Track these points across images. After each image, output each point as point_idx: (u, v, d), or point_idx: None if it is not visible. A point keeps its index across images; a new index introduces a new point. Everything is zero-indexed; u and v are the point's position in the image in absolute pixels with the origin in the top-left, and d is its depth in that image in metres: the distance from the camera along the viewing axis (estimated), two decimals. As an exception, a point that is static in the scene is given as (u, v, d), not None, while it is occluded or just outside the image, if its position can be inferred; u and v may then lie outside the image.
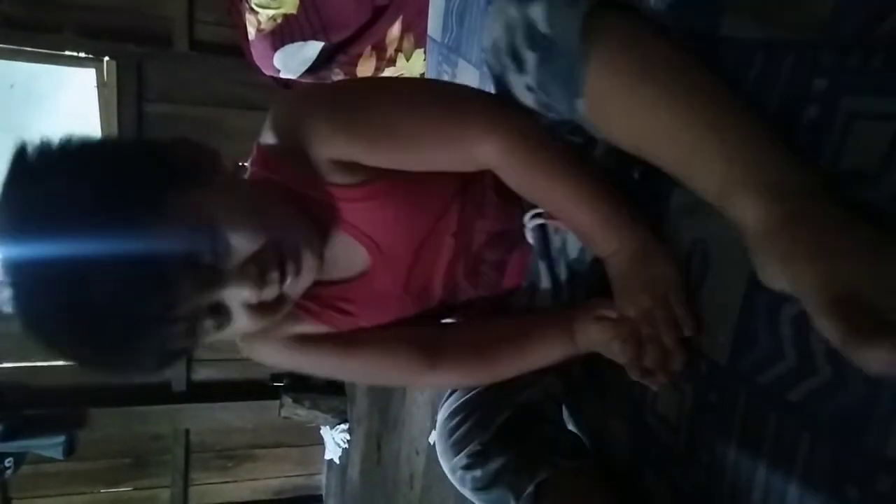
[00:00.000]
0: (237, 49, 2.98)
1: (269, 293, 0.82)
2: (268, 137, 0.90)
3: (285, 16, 2.54)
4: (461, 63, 1.46)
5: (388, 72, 2.64)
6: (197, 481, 3.89)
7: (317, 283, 0.95)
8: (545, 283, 1.03)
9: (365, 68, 2.63)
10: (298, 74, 2.69)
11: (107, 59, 3.04)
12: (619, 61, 0.71)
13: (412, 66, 2.59)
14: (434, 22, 1.64)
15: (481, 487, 1.02)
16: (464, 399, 1.09)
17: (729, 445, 0.76)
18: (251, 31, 2.67)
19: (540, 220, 0.98)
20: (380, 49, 2.59)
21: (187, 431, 3.77)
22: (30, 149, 0.75)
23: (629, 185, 0.90)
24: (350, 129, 0.87)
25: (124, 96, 3.08)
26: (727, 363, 0.76)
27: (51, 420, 3.34)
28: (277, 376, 3.62)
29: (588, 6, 0.70)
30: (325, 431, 3.76)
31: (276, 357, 1.03)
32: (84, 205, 0.72)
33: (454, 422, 1.07)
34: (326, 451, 3.80)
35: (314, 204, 0.90)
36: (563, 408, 1.13)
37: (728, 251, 0.76)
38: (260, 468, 4.01)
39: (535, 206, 0.98)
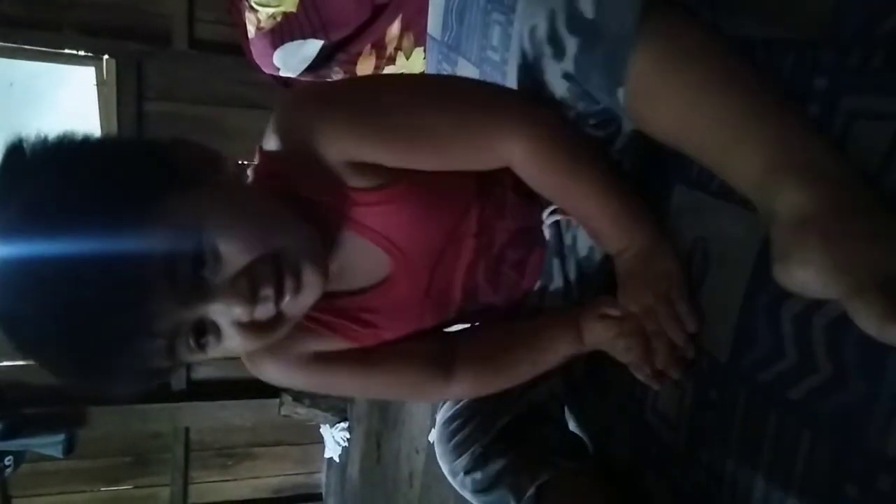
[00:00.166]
0: (237, 47, 2.97)
1: (263, 312, 0.75)
2: (272, 141, 0.85)
3: (285, 14, 2.53)
4: (461, 61, 1.45)
5: (388, 70, 2.63)
6: (197, 479, 3.89)
7: (336, 295, 0.93)
8: (557, 281, 1.02)
9: (364, 67, 2.63)
10: (298, 73, 2.69)
11: (106, 57, 3.03)
12: (666, 49, 0.69)
13: (412, 64, 2.59)
14: (434, 20, 1.64)
15: (482, 490, 1.02)
16: (464, 402, 1.09)
17: (729, 444, 0.76)
18: (251, 30, 2.67)
19: (557, 217, 0.98)
20: (379, 47, 2.59)
21: (187, 430, 3.77)
22: (22, 144, 0.71)
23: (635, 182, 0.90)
24: (372, 129, 0.84)
25: (124, 95, 3.07)
26: (728, 361, 0.76)
27: (50, 418, 3.33)
28: (277, 375, 3.60)
29: None
30: (325, 430, 3.76)
31: (286, 377, 0.98)
32: (67, 204, 0.67)
33: (454, 425, 1.07)
34: (326, 449, 3.80)
35: (324, 212, 0.86)
36: (565, 407, 1.13)
37: (729, 250, 0.76)
38: (260, 466, 4.01)
39: (553, 203, 0.97)
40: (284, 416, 3.62)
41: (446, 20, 1.53)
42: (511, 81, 0.95)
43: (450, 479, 1.08)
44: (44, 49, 3.00)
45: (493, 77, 1.25)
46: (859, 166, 0.59)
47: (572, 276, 1.01)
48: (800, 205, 0.58)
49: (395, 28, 2.54)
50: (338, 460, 3.73)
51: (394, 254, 0.91)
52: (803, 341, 0.66)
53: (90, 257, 0.65)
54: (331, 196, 0.85)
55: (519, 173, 0.89)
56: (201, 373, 3.60)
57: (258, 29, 2.62)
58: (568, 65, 0.77)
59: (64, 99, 3.32)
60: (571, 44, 0.75)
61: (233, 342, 0.76)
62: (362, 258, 0.91)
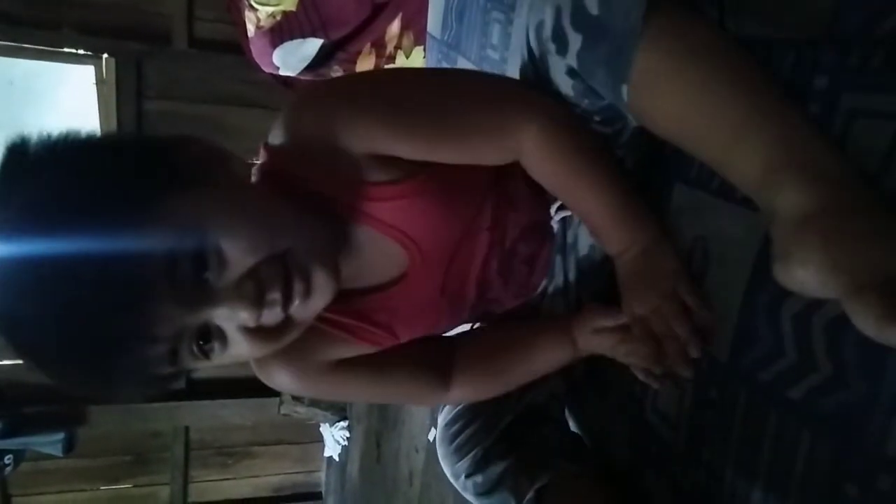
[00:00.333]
0: (236, 46, 2.97)
1: (271, 317, 0.72)
2: (282, 136, 0.82)
3: (284, 13, 2.53)
4: (460, 60, 1.45)
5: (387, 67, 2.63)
6: (196, 478, 3.89)
7: (351, 294, 0.91)
8: (558, 279, 1.03)
9: (364, 65, 2.62)
10: (297, 72, 2.69)
11: (106, 56, 3.03)
12: (670, 46, 0.69)
13: (411, 63, 2.59)
14: (434, 19, 1.63)
15: (484, 492, 1.02)
16: (465, 404, 1.09)
17: (729, 443, 0.76)
18: (250, 29, 2.67)
19: (566, 212, 0.98)
20: (379, 46, 2.59)
21: (187, 429, 3.77)
22: (25, 143, 0.69)
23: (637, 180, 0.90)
24: (394, 121, 0.81)
25: (123, 94, 3.07)
26: (727, 360, 0.76)
27: (50, 417, 3.33)
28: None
29: None
30: (325, 429, 3.75)
31: (298, 385, 0.95)
32: (67, 203, 0.65)
33: (456, 427, 1.07)
34: (326, 448, 3.80)
35: (337, 208, 0.84)
36: (566, 408, 1.13)
37: (729, 249, 0.76)
38: (259, 465, 4.01)
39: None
40: (284, 414, 3.62)
41: (446, 19, 1.53)
42: (511, 80, 0.95)
43: (452, 481, 1.08)
44: (43, 48, 3.00)
45: (493, 76, 1.25)
46: (859, 166, 0.59)
47: (571, 274, 1.01)
48: (800, 204, 0.57)
49: (394, 27, 2.54)
50: (337, 459, 3.72)
51: (410, 249, 0.89)
52: (803, 341, 0.66)
53: (90, 258, 0.63)
54: (345, 191, 0.83)
55: (525, 164, 0.88)
56: (201, 372, 3.53)
57: (258, 28, 2.62)
58: (571, 60, 0.77)
59: (63, 98, 3.31)
60: (575, 40, 0.75)
61: (239, 348, 0.73)
62: (378, 254, 0.89)
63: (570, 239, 1.00)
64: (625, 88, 0.72)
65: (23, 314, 0.66)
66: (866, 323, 0.51)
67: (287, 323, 0.75)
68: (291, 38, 2.56)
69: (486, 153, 0.87)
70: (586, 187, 0.86)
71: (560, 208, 0.98)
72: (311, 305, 0.75)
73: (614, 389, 0.99)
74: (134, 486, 3.80)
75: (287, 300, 0.72)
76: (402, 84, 0.88)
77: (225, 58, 3.13)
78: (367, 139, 0.81)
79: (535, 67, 0.84)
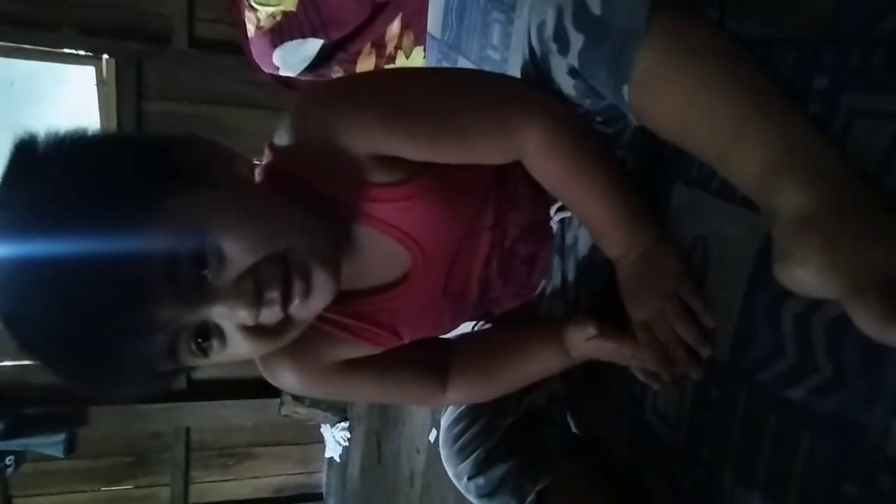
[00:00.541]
0: (236, 47, 2.97)
1: (270, 316, 0.72)
2: (288, 136, 0.82)
3: (284, 13, 2.53)
4: (461, 60, 1.45)
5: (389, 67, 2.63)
6: (197, 479, 3.88)
7: (354, 295, 0.91)
8: (556, 280, 1.02)
9: (364, 66, 2.62)
10: (298, 72, 2.69)
11: (106, 56, 3.03)
12: (671, 46, 0.69)
13: (412, 63, 2.58)
14: (434, 19, 1.64)
15: (486, 494, 1.02)
16: (468, 405, 1.10)
17: (729, 443, 0.76)
18: (250, 29, 2.66)
19: (565, 213, 0.98)
20: (379, 46, 2.59)
21: (187, 429, 3.77)
22: (34, 141, 0.69)
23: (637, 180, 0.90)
24: (401, 120, 0.82)
25: (123, 94, 3.07)
26: (728, 360, 0.76)
27: (51, 418, 3.33)
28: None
29: None
30: (326, 429, 3.75)
31: (305, 386, 0.96)
32: (68, 201, 0.65)
33: (458, 427, 1.08)
34: (327, 449, 3.79)
35: (340, 209, 0.84)
36: (566, 409, 1.13)
37: (729, 249, 0.76)
38: (260, 466, 4.01)
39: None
40: (285, 415, 3.62)
41: (446, 19, 1.53)
42: (512, 81, 0.95)
43: (455, 482, 1.09)
44: (44, 48, 3.00)
45: (493, 76, 1.25)
46: (859, 166, 0.59)
47: (571, 276, 1.01)
48: (800, 204, 0.57)
49: (394, 27, 2.54)
50: (338, 460, 3.72)
51: (412, 250, 0.89)
52: (803, 341, 0.66)
53: (90, 255, 0.63)
54: (348, 192, 0.84)
55: (527, 164, 0.88)
56: (202, 372, 3.53)
57: (258, 28, 2.62)
58: (573, 60, 0.77)
59: (64, 98, 3.31)
60: (577, 40, 0.75)
61: (239, 347, 0.73)
62: (381, 255, 0.89)
63: (569, 240, 1.00)
64: (626, 89, 0.72)
65: (25, 309, 0.66)
66: (867, 323, 0.51)
67: (287, 322, 0.75)
68: (291, 39, 2.56)
69: (487, 153, 0.87)
70: (587, 188, 0.86)
71: (560, 209, 0.98)
72: (310, 305, 0.75)
73: (614, 390, 0.99)
74: (135, 488, 3.79)
75: (286, 299, 0.72)
76: (404, 84, 0.87)
77: (225, 58, 3.12)
78: (369, 139, 0.81)
79: (536, 67, 0.84)
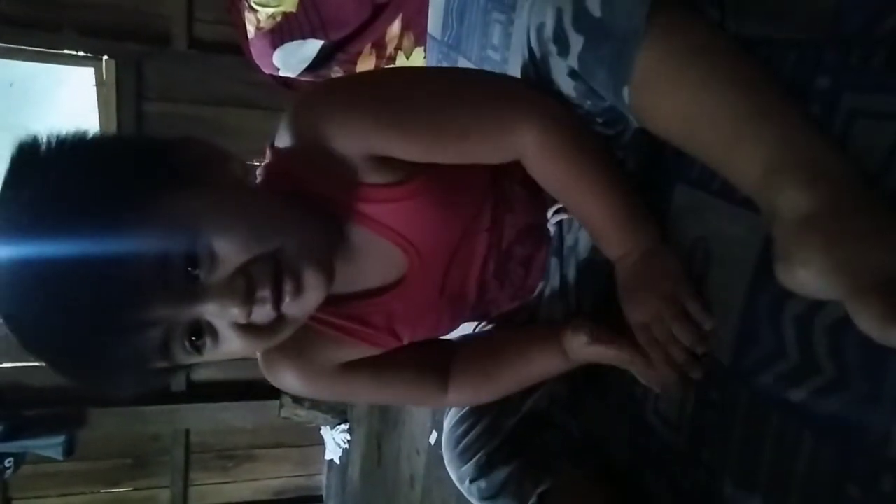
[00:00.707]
0: (236, 47, 2.97)
1: (261, 314, 0.73)
2: (287, 137, 0.83)
3: (285, 14, 2.53)
4: (461, 61, 1.45)
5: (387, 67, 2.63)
6: (197, 482, 3.88)
7: (352, 297, 0.92)
8: (554, 282, 1.02)
9: (365, 66, 2.62)
10: (298, 73, 2.69)
11: (106, 57, 3.03)
12: (671, 46, 0.69)
13: (412, 64, 2.59)
14: (434, 20, 1.64)
15: (488, 497, 1.03)
16: (470, 407, 1.10)
17: (730, 444, 0.76)
18: (250, 30, 2.67)
19: (563, 215, 0.97)
20: (379, 47, 2.59)
21: (187, 432, 3.77)
22: (35, 142, 0.71)
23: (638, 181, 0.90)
24: (397, 121, 0.82)
25: (123, 95, 3.07)
26: (729, 362, 0.76)
27: (50, 420, 3.33)
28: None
29: None
30: (326, 431, 3.75)
31: (307, 387, 0.97)
32: (64, 201, 0.67)
33: (461, 430, 1.08)
34: (327, 451, 3.79)
35: (336, 211, 0.85)
36: (567, 411, 1.13)
37: (730, 249, 0.76)
38: (260, 468, 4.00)
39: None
40: (284, 417, 3.62)
41: (446, 19, 1.53)
42: (512, 81, 0.95)
43: (457, 484, 1.09)
44: (43, 49, 3.00)
45: (493, 77, 1.25)
46: (861, 166, 0.59)
47: (571, 277, 1.01)
48: (801, 204, 0.57)
49: (395, 27, 2.54)
50: (338, 462, 3.72)
51: (409, 252, 0.90)
52: (805, 342, 0.66)
53: (85, 253, 0.65)
54: (345, 193, 0.84)
55: (527, 165, 0.88)
56: (201, 374, 3.59)
57: (258, 29, 2.62)
58: (573, 61, 0.77)
59: (63, 99, 3.31)
60: (577, 41, 0.74)
61: (231, 345, 0.74)
62: (377, 257, 0.90)
63: (569, 242, 1.00)
64: (626, 90, 0.72)
65: (22, 306, 0.68)
66: (869, 324, 0.51)
67: (279, 321, 0.76)
68: (291, 40, 2.56)
69: (486, 153, 0.87)
70: (587, 189, 0.86)
71: (557, 211, 0.98)
72: (302, 304, 0.76)
73: (615, 391, 0.99)
74: (134, 490, 3.79)
75: (278, 298, 0.73)
76: (401, 84, 0.87)
77: (225, 59, 3.12)
78: (364, 140, 0.81)
79: (536, 69, 0.84)
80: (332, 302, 0.91)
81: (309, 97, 0.86)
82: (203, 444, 3.85)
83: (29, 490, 3.55)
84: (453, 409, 1.13)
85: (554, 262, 1.01)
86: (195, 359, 0.75)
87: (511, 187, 0.97)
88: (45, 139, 0.71)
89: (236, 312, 0.71)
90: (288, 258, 0.74)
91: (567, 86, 0.82)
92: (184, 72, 3.15)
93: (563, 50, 0.77)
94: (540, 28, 0.79)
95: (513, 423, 1.05)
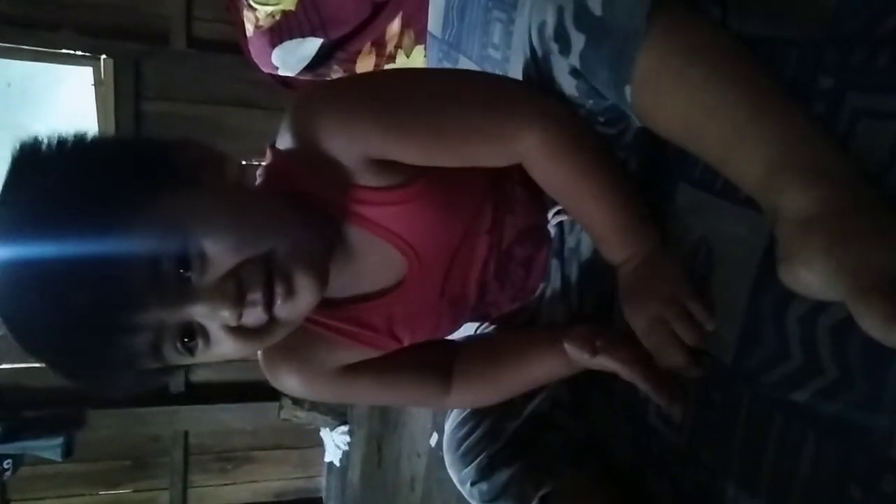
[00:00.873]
0: (235, 46, 2.97)
1: (252, 317, 0.73)
2: (287, 139, 0.83)
3: (284, 12, 2.53)
4: (462, 59, 1.45)
5: (387, 68, 2.63)
6: (196, 483, 3.89)
7: (352, 301, 0.93)
8: (555, 283, 1.02)
9: (364, 65, 2.63)
10: (297, 71, 2.69)
11: (104, 57, 3.03)
12: (672, 45, 0.69)
13: (412, 62, 2.59)
14: (434, 18, 1.64)
15: (489, 500, 1.03)
16: (472, 409, 1.10)
17: (733, 445, 0.75)
18: (249, 28, 2.67)
19: (563, 217, 0.97)
20: (379, 45, 2.59)
21: (186, 433, 3.77)
22: (37, 144, 0.72)
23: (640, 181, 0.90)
24: (397, 124, 0.82)
25: (122, 94, 3.08)
26: (732, 362, 0.76)
27: (49, 421, 3.33)
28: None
29: None
30: (325, 433, 3.76)
31: (310, 390, 0.98)
32: (65, 203, 0.68)
33: (462, 432, 1.08)
34: (326, 453, 3.80)
35: (334, 213, 0.85)
36: (569, 412, 1.12)
37: (733, 249, 0.76)
38: (259, 470, 4.01)
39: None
40: (284, 419, 3.63)
41: (447, 18, 1.53)
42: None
43: (459, 487, 1.09)
44: (41, 49, 3.00)
45: (493, 76, 1.25)
46: (863, 166, 0.59)
47: (573, 278, 1.01)
48: (803, 204, 0.57)
49: (395, 26, 2.54)
50: (338, 464, 3.73)
51: (409, 255, 0.90)
52: (808, 343, 0.65)
53: (77, 254, 0.65)
54: (344, 195, 0.84)
55: (528, 168, 0.87)
56: (200, 376, 3.60)
57: (257, 27, 2.62)
58: (574, 60, 0.76)
59: (61, 99, 3.32)
60: (578, 40, 0.74)
61: (223, 347, 0.75)
62: (377, 260, 0.90)
63: (571, 243, 1.00)
64: (628, 89, 0.72)
65: (19, 305, 0.69)
66: (872, 325, 0.51)
67: (272, 323, 0.76)
68: (291, 38, 2.56)
69: (487, 156, 0.87)
70: (589, 192, 0.85)
71: (557, 213, 0.98)
72: (294, 307, 0.76)
73: (617, 391, 0.99)
74: (133, 491, 3.80)
75: (269, 301, 0.73)
76: (401, 86, 0.87)
77: (224, 58, 3.13)
78: (364, 143, 0.82)
79: (537, 68, 0.83)
80: (333, 304, 0.92)
81: (309, 98, 0.86)
82: (202, 445, 3.85)
83: (28, 491, 3.56)
84: (455, 412, 1.13)
85: (555, 263, 1.01)
86: (187, 360, 0.75)
87: (511, 189, 0.97)
88: (45, 141, 0.72)
89: (227, 315, 0.71)
90: (280, 261, 0.74)
91: (569, 85, 0.82)
92: (182, 71, 3.15)
93: (565, 48, 0.76)
94: (541, 26, 0.78)
95: (515, 425, 1.04)
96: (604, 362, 0.88)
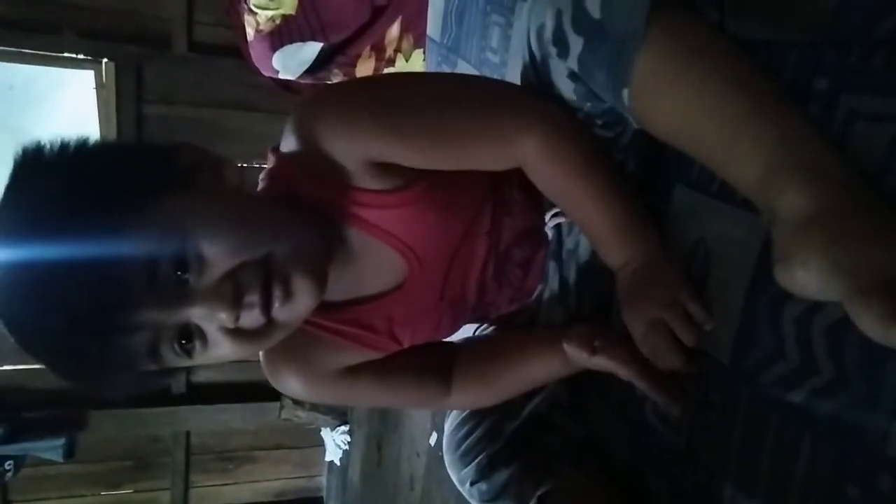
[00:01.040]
0: (236, 50, 2.97)
1: (250, 319, 0.73)
2: (290, 142, 0.84)
3: (284, 16, 2.53)
4: (460, 63, 1.45)
5: (388, 73, 2.63)
6: (197, 483, 3.88)
7: (352, 303, 0.93)
8: (553, 285, 1.02)
9: (364, 69, 2.62)
10: (297, 75, 2.69)
11: (105, 60, 3.03)
12: (670, 48, 0.69)
13: (411, 66, 2.59)
14: (433, 22, 1.63)
15: (489, 500, 1.03)
16: (471, 410, 1.10)
17: (730, 445, 0.76)
18: (250, 32, 2.67)
19: (560, 219, 0.97)
20: (379, 49, 2.59)
21: (187, 433, 3.76)
22: (26, 152, 0.73)
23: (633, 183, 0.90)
24: (397, 127, 0.82)
25: (123, 98, 3.07)
26: (729, 363, 0.76)
27: (50, 422, 3.32)
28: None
29: None
30: (326, 433, 3.75)
31: (312, 392, 0.99)
32: (65, 207, 0.69)
33: (462, 432, 1.08)
34: (327, 452, 3.79)
35: (334, 215, 0.85)
36: (568, 412, 1.13)
37: (730, 250, 0.76)
38: (260, 470, 4.00)
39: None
40: (285, 419, 3.62)
41: (445, 22, 1.53)
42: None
43: (458, 487, 1.09)
44: (43, 52, 3.00)
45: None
46: (859, 167, 0.59)
47: (571, 280, 1.01)
48: (801, 205, 0.57)
49: (394, 30, 2.54)
50: (338, 464, 3.72)
51: (409, 258, 0.90)
52: (804, 343, 0.65)
53: (75, 257, 0.66)
54: (345, 198, 0.85)
55: (528, 171, 0.88)
56: (201, 376, 3.59)
57: (257, 31, 2.62)
58: (572, 63, 0.77)
59: (63, 102, 3.31)
60: (576, 43, 0.74)
61: (221, 349, 0.75)
62: (377, 263, 0.90)
63: (569, 245, 1.00)
64: (626, 92, 0.72)
65: (19, 307, 0.70)
66: (870, 325, 0.51)
67: (270, 325, 0.76)
68: (291, 42, 2.56)
69: (487, 160, 0.87)
70: (588, 196, 0.85)
71: (555, 215, 0.98)
72: (293, 309, 0.77)
73: (615, 391, 0.99)
74: (135, 492, 3.78)
75: (267, 303, 0.74)
76: (403, 90, 0.88)
77: (224, 62, 3.13)
78: (365, 146, 0.82)
79: (536, 71, 0.84)
80: (333, 307, 0.93)
81: (312, 101, 0.87)
82: (203, 445, 3.84)
83: (29, 492, 3.55)
84: (454, 413, 1.13)
85: (553, 265, 1.01)
86: (186, 362, 0.76)
87: (509, 191, 0.98)
88: (47, 146, 0.73)
89: (223, 317, 0.71)
90: (278, 264, 0.75)
91: (567, 88, 0.82)
92: (183, 74, 3.15)
93: (563, 51, 0.77)
94: (540, 30, 0.79)
95: (514, 426, 1.04)
96: (602, 362, 0.88)
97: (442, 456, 1.14)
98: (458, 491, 1.10)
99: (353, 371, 0.98)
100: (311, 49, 2.58)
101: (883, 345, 0.51)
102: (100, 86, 3.07)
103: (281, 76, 2.73)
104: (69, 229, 0.68)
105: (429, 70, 1.74)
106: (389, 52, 2.59)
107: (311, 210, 0.84)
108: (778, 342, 0.68)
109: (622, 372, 0.86)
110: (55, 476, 3.57)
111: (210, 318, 0.72)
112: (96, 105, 3.10)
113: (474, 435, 1.06)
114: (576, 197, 0.87)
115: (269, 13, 2.54)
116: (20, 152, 0.73)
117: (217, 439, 3.86)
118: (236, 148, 3.01)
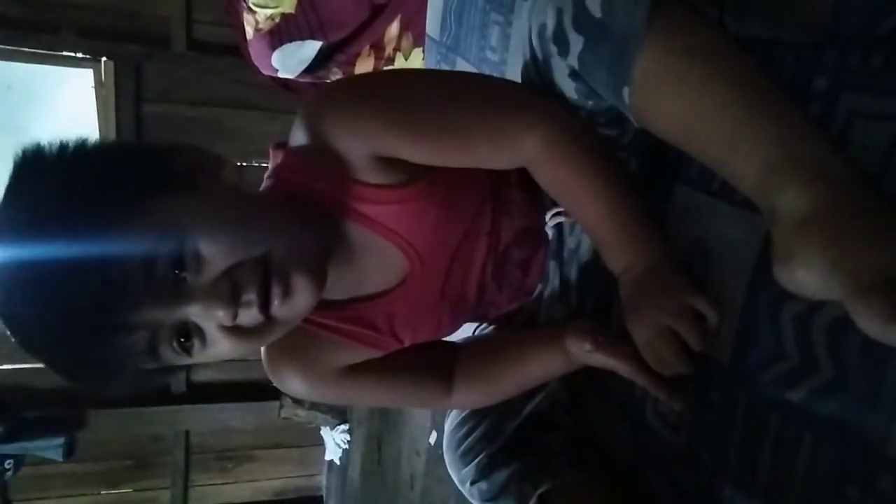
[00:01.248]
0: (235, 49, 2.97)
1: (248, 317, 0.74)
2: (297, 137, 0.85)
3: (283, 15, 2.53)
4: (459, 62, 1.45)
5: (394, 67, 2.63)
6: (197, 483, 3.88)
7: (353, 301, 0.93)
8: (554, 284, 1.02)
9: (363, 67, 2.62)
10: (296, 74, 2.69)
11: (104, 59, 3.03)
12: (670, 47, 0.69)
13: (410, 65, 2.58)
14: (432, 21, 1.63)
15: (489, 499, 1.03)
16: (471, 409, 1.10)
17: (730, 445, 0.76)
18: (249, 31, 2.66)
19: (561, 219, 0.97)
20: (378, 48, 2.59)
21: (187, 433, 3.77)
22: (26, 153, 0.73)
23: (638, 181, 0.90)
24: (404, 122, 0.82)
25: (122, 97, 3.07)
26: (729, 362, 0.76)
27: (50, 422, 3.33)
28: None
29: None
30: (326, 432, 3.75)
31: (314, 391, 0.99)
32: (65, 207, 0.70)
33: (462, 432, 1.08)
34: (327, 451, 3.79)
35: (337, 214, 0.86)
36: (568, 411, 1.13)
37: (730, 250, 0.76)
38: (260, 469, 4.01)
39: (558, 204, 0.96)
40: (285, 418, 3.62)
41: (445, 20, 1.53)
42: (511, 82, 0.95)
43: (459, 486, 1.09)
44: (42, 51, 3.00)
45: (492, 78, 1.25)
46: (859, 166, 0.59)
47: (572, 279, 1.01)
48: (801, 204, 0.57)
49: (393, 28, 2.54)
50: (338, 463, 3.72)
51: (410, 255, 0.90)
52: (804, 342, 0.66)
53: (74, 256, 0.67)
54: (348, 194, 0.85)
55: (531, 170, 0.88)
56: (201, 375, 3.59)
57: (256, 30, 2.62)
58: (573, 62, 0.77)
59: (62, 101, 3.31)
60: (577, 42, 0.74)
61: (220, 347, 0.76)
62: (379, 260, 0.90)
63: (571, 244, 1.00)
64: (626, 91, 0.72)
65: (19, 306, 0.71)
66: (870, 324, 0.51)
67: (268, 323, 0.77)
68: (290, 41, 2.56)
69: (490, 158, 0.87)
70: (590, 195, 0.85)
71: (555, 215, 0.98)
72: (292, 307, 0.77)
73: (615, 390, 0.99)
74: (134, 491, 3.79)
75: (265, 302, 0.74)
76: (408, 86, 0.88)
77: (223, 60, 3.12)
78: (370, 140, 0.82)
79: (537, 70, 0.84)
80: (334, 305, 0.93)
81: (319, 97, 0.88)
82: (203, 444, 3.85)
83: (29, 492, 3.55)
84: (454, 412, 1.14)
85: (553, 264, 1.01)
86: (184, 360, 0.76)
87: (508, 192, 0.98)
88: (47, 147, 0.74)
89: (221, 315, 0.72)
90: (277, 262, 0.75)
91: (568, 86, 0.82)
92: (182, 73, 3.15)
93: (564, 50, 0.77)
94: (541, 28, 0.78)
95: (514, 425, 1.04)
96: (603, 359, 0.88)
97: (442, 455, 1.14)
98: (458, 490, 1.10)
99: (355, 370, 0.98)
100: (311, 48, 2.58)
101: (883, 344, 0.51)
102: (99, 84, 3.07)
103: (280, 75, 2.73)
104: (68, 229, 0.68)
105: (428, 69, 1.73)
106: (389, 50, 2.59)
107: (311, 208, 0.84)
108: (778, 341, 0.68)
109: (623, 368, 0.86)
110: (55, 475, 3.57)
111: (208, 317, 0.72)
112: (95, 104, 3.10)
113: (475, 434, 1.06)
114: (578, 196, 0.87)
115: (269, 12, 2.54)
116: (20, 154, 0.73)
117: (217, 438, 3.86)
118: (235, 146, 3.02)
